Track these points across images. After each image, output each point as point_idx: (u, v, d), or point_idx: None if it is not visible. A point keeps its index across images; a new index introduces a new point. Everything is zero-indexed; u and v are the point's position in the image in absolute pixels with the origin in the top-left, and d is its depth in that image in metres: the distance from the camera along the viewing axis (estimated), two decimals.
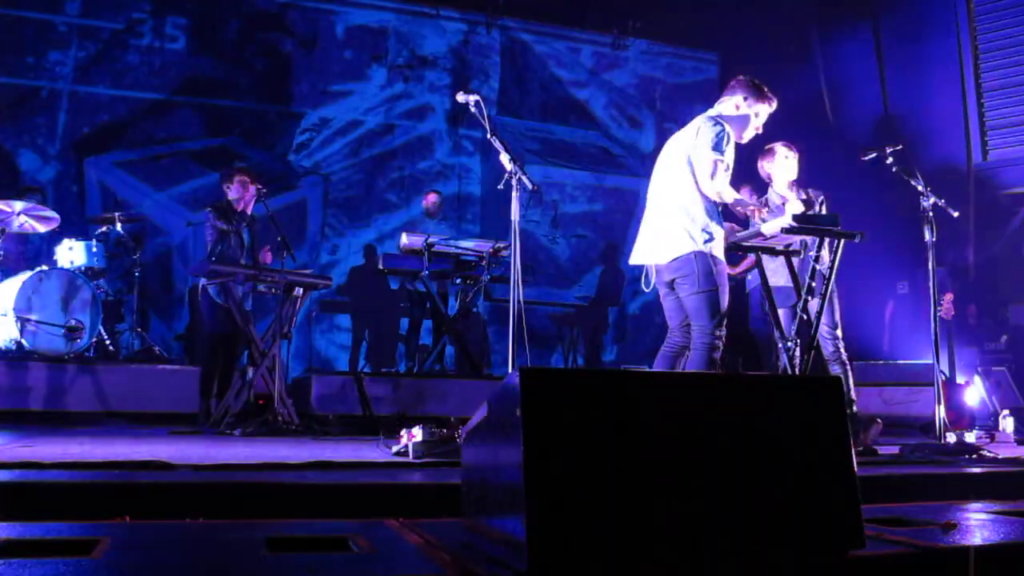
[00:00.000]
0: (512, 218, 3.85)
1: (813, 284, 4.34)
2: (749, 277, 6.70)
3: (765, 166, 4.98)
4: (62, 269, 5.96)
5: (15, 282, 5.60)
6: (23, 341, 5.50)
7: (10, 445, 3.57)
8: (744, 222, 4.74)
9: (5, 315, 5.50)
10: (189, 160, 8.90)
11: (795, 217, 4.07)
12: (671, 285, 3.99)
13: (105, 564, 1.58)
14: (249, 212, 5.88)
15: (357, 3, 9.74)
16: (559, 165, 10.38)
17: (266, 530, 1.96)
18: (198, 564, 1.68)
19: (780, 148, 4.92)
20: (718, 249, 3.90)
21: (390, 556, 1.75)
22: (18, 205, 6.00)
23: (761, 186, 5.27)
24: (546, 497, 1.53)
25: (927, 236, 4.58)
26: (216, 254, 5.62)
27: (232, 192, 5.83)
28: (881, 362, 7.55)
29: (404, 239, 6.62)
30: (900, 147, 4.71)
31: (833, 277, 4.31)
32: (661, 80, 11.03)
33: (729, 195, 3.89)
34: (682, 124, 4.27)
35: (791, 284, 4.48)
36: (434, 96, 10.03)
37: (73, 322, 5.72)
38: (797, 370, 4.30)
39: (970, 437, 4.42)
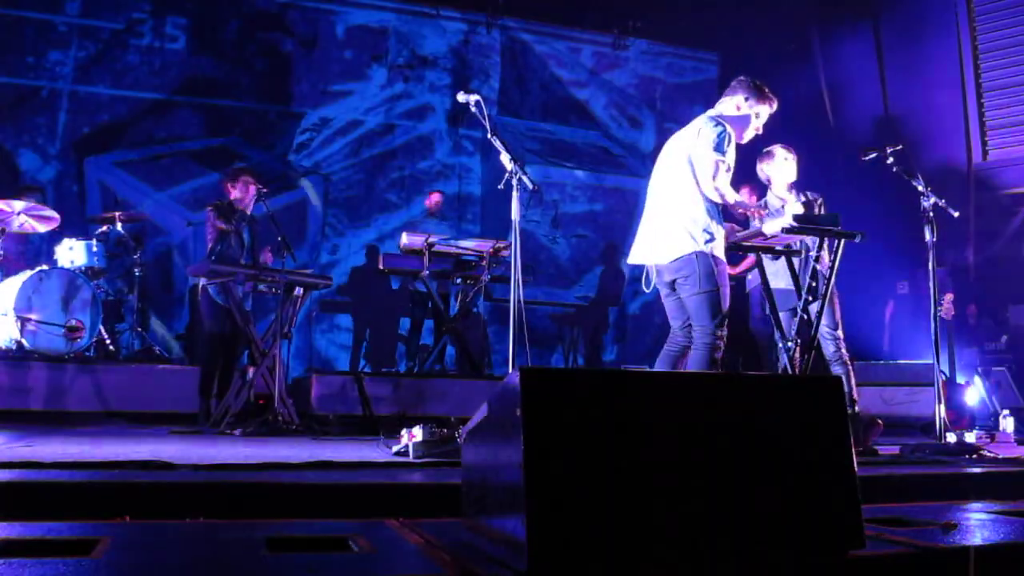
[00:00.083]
0: (512, 218, 3.85)
1: (814, 284, 4.34)
2: (749, 277, 6.69)
3: (764, 168, 4.95)
4: (62, 269, 5.96)
5: (15, 282, 5.60)
6: (23, 341, 5.50)
7: (10, 445, 3.57)
8: (744, 222, 4.74)
9: (5, 315, 5.50)
10: (189, 160, 8.90)
11: (795, 217, 4.07)
12: (672, 285, 3.99)
13: (105, 564, 1.58)
14: (249, 212, 5.88)
15: (357, 3, 9.74)
16: (559, 165, 10.37)
17: (266, 530, 1.96)
18: (198, 564, 1.68)
19: (779, 150, 4.90)
20: (719, 249, 3.91)
21: (390, 556, 1.75)
22: (18, 205, 5.99)
23: (761, 186, 5.26)
24: (546, 497, 1.53)
25: (927, 236, 4.58)
26: (216, 254, 5.61)
27: (235, 192, 5.83)
28: (881, 362, 7.56)
29: (404, 239, 6.62)
30: (900, 147, 4.70)
31: (833, 277, 4.31)
32: (661, 80, 11.02)
33: (730, 196, 3.89)
34: (682, 124, 4.26)
35: (792, 287, 4.47)
36: (434, 96, 10.03)
37: (73, 322, 5.72)
38: (797, 370, 4.30)
39: (970, 437, 4.42)
